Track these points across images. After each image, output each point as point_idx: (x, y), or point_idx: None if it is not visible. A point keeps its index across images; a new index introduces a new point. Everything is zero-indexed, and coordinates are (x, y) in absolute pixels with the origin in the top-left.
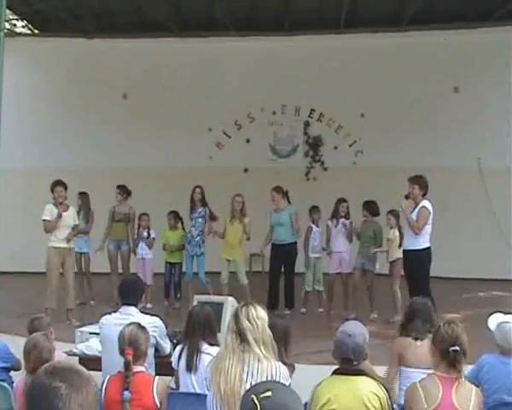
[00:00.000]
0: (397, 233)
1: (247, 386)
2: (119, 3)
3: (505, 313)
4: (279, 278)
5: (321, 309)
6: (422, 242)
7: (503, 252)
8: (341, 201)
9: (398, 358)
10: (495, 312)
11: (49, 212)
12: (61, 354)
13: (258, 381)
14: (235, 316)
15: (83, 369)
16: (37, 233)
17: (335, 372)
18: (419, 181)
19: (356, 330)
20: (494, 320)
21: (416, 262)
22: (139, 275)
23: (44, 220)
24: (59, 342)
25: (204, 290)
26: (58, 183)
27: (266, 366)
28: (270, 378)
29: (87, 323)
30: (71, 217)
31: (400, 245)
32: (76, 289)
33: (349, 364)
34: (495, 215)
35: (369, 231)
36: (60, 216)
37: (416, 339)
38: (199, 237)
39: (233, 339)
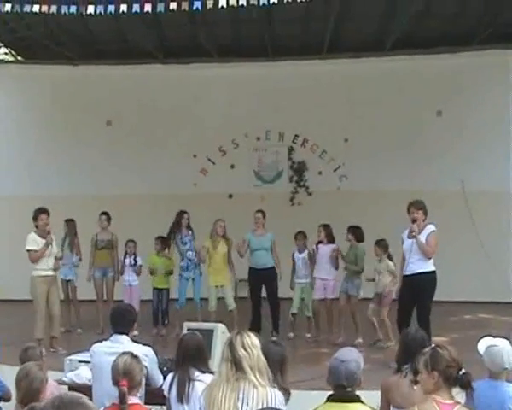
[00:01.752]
0: (391, 264)
1: None
2: (104, 31)
3: (494, 337)
4: (261, 302)
5: (308, 335)
6: (430, 265)
7: (487, 275)
8: (320, 226)
9: (387, 400)
10: (484, 336)
11: (34, 241)
12: (53, 383)
13: (254, 409)
14: (230, 344)
15: (88, 401)
16: (23, 261)
17: (330, 399)
18: (422, 206)
19: (349, 356)
20: (483, 344)
21: (425, 285)
22: (125, 302)
23: (29, 251)
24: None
25: (192, 317)
26: (42, 211)
27: (262, 393)
28: (266, 405)
29: (74, 351)
30: (55, 246)
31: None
32: (62, 316)
33: (342, 390)
34: (479, 237)
35: (351, 255)
36: (48, 245)
37: (405, 377)
38: (196, 259)
39: (228, 368)
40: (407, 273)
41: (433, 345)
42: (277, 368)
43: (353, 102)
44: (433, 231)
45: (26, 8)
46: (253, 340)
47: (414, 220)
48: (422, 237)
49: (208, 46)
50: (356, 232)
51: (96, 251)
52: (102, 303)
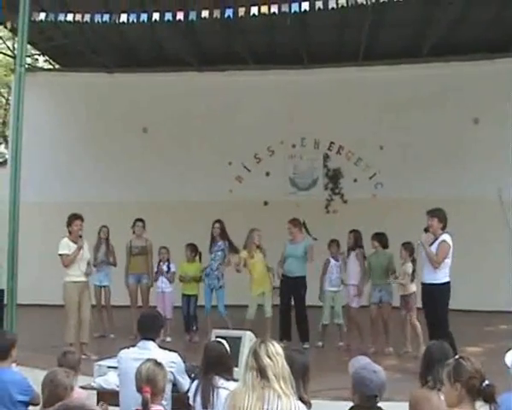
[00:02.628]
0: (409, 266)
1: None
2: (139, 39)
3: None
4: (290, 310)
5: (341, 343)
6: (442, 276)
7: None
8: (350, 232)
9: None
10: None
11: (67, 246)
12: (81, 391)
13: None
14: (255, 353)
15: (92, 407)
16: (56, 266)
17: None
18: (438, 214)
19: (377, 367)
20: (511, 356)
21: (435, 296)
22: (159, 309)
23: (62, 255)
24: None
25: (222, 324)
26: (76, 216)
27: (286, 403)
28: None
29: (106, 356)
30: (86, 250)
31: (413, 279)
32: (96, 322)
33: (374, 401)
34: None
35: (383, 262)
36: (80, 249)
37: (433, 389)
38: (217, 271)
39: (253, 376)
40: (422, 282)
41: (456, 356)
42: (299, 377)
43: (389, 109)
44: (444, 241)
45: (61, 17)
46: (276, 348)
47: (426, 229)
48: (434, 247)
49: (243, 54)
50: (381, 239)
51: (130, 257)
52: (136, 309)
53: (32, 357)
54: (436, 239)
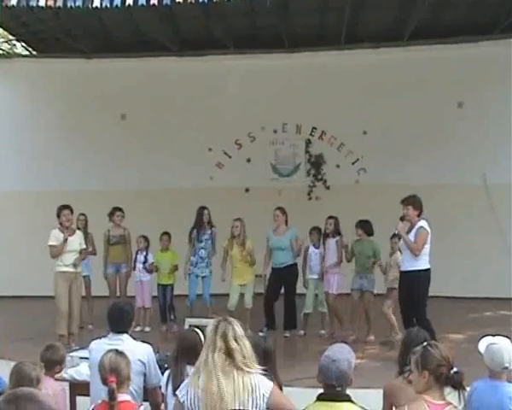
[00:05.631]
0: (399, 257)
1: (236, 405)
2: (117, 24)
3: (494, 335)
4: (276, 299)
5: (322, 331)
6: (422, 263)
7: (510, 270)
8: (328, 218)
9: (390, 404)
10: (487, 335)
11: (55, 237)
12: (52, 382)
13: (242, 396)
14: (224, 335)
15: (41, 397)
16: (38, 257)
17: (320, 398)
18: (412, 201)
19: (341, 355)
20: (484, 343)
21: (415, 284)
22: (137, 298)
23: (51, 246)
24: None
25: (205, 314)
26: (65, 207)
27: (247, 379)
28: (251, 390)
29: (84, 347)
30: (77, 241)
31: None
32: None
33: (332, 390)
34: (502, 232)
35: (367, 251)
36: (65, 240)
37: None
38: (207, 259)
39: (222, 358)
40: (401, 270)
41: (424, 344)
42: (261, 362)
43: (372, 93)
44: (421, 227)
45: (33, 2)
46: (241, 330)
47: (401, 218)
48: (412, 234)
49: (224, 38)
50: (366, 226)
51: (108, 247)
52: (115, 299)
53: (14, 348)
54: (413, 227)
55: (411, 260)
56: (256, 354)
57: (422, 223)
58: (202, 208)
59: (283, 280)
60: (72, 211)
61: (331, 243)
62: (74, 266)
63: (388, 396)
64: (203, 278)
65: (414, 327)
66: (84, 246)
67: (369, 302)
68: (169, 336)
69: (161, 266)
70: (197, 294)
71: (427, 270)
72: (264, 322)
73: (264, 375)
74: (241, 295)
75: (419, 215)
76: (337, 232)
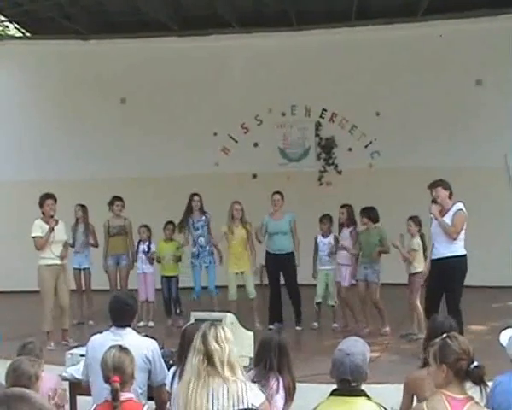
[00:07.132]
0: (420, 242)
1: None
2: (115, 3)
3: None
4: (279, 289)
5: (335, 324)
6: (459, 248)
7: None
8: (342, 206)
9: (411, 396)
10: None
11: (39, 227)
12: (54, 378)
13: (226, 405)
14: (203, 336)
15: (33, 396)
16: (31, 250)
17: (333, 393)
18: (440, 183)
19: (355, 348)
20: (506, 335)
21: (453, 270)
22: (140, 291)
23: (35, 237)
24: (52, 366)
25: (210, 306)
26: (48, 196)
27: (233, 389)
28: (237, 400)
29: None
30: (62, 231)
31: (426, 258)
32: (73, 307)
33: (347, 385)
34: None
35: (373, 239)
36: (52, 230)
37: None
38: (208, 246)
39: (199, 361)
40: (434, 257)
41: (444, 335)
42: (277, 357)
43: (385, 72)
44: (460, 209)
45: None
46: (226, 334)
47: (434, 201)
48: (448, 217)
49: (227, 16)
50: (371, 214)
51: (108, 238)
52: (117, 292)
53: (4, 347)
54: (447, 210)
55: (447, 245)
56: (270, 349)
57: (460, 205)
58: (193, 195)
59: (282, 268)
60: (55, 200)
61: (345, 232)
62: (61, 258)
63: (411, 388)
64: (206, 267)
65: (439, 314)
66: (66, 237)
67: (375, 294)
68: (174, 330)
69: (165, 256)
70: (202, 286)
71: (464, 256)
72: (269, 317)
73: (253, 382)
74: (243, 287)
75: (450, 197)
76: (351, 221)
